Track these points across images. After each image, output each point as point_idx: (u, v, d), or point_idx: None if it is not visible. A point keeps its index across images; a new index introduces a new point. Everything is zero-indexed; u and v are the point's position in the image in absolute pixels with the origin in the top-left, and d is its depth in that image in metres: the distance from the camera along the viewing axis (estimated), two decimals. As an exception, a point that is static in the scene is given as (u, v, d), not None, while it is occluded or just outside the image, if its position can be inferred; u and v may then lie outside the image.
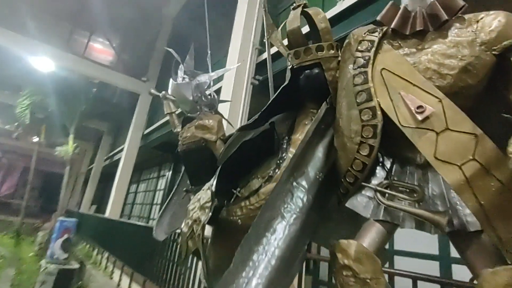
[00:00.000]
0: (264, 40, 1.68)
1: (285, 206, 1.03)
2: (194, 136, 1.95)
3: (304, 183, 1.06)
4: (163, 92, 2.48)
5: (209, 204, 1.36)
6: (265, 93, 4.83)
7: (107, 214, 9.53)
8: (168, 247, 4.30)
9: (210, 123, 1.92)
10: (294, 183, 1.06)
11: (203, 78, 2.00)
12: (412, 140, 0.88)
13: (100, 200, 17.49)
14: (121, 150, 11.51)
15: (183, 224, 1.59)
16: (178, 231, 3.20)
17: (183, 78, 1.98)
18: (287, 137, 1.26)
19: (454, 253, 3.02)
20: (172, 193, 2.52)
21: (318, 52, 1.12)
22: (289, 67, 1.20)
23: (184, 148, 2.02)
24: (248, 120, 4.50)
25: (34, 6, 10.61)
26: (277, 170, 1.22)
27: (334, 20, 3.48)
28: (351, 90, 1.02)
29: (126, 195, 11.39)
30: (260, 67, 4.70)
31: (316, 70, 1.17)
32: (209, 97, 2.05)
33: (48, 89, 11.00)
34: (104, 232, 8.22)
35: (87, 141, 19.33)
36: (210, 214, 1.26)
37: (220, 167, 1.29)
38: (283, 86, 1.20)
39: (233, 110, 4.17)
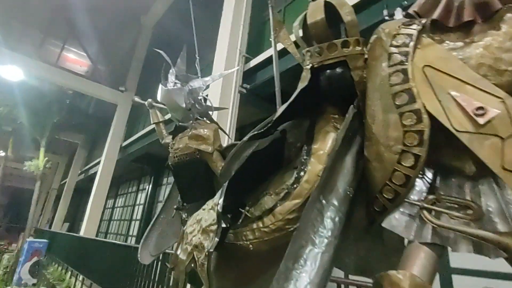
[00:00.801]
0: (271, 39, 1.54)
1: (315, 229, 0.85)
2: (187, 148, 1.75)
3: (334, 200, 0.90)
4: (149, 99, 2.27)
5: (213, 227, 1.17)
6: (253, 102, 4.70)
7: (82, 232, 8.93)
8: (153, 267, 3.96)
9: (206, 132, 1.73)
10: (324, 201, 0.89)
11: (197, 83, 1.81)
12: (471, 147, 0.75)
13: (74, 217, 16.55)
14: (97, 163, 10.97)
15: (179, 250, 1.38)
16: (167, 250, 2.93)
17: (175, 83, 1.77)
18: (305, 147, 1.09)
19: (454, 263, 2.95)
20: (159, 211, 2.28)
21: (344, 49, 0.98)
22: (307, 66, 1.05)
23: (176, 161, 1.81)
24: (236, 130, 4.33)
25: (1, 13, 10.03)
26: (295, 185, 1.04)
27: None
28: (387, 91, 0.88)
29: (102, 211, 10.77)
30: (248, 75, 4.56)
31: (338, 70, 1.03)
32: (203, 104, 1.86)
33: (17, 99, 10.38)
34: (79, 253, 7.64)
35: (59, 154, 18.46)
36: (217, 239, 1.06)
37: (227, 183, 1.10)
38: (301, 88, 1.03)
39: (220, 120, 3.97)
